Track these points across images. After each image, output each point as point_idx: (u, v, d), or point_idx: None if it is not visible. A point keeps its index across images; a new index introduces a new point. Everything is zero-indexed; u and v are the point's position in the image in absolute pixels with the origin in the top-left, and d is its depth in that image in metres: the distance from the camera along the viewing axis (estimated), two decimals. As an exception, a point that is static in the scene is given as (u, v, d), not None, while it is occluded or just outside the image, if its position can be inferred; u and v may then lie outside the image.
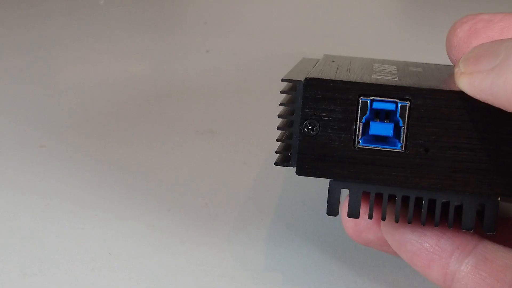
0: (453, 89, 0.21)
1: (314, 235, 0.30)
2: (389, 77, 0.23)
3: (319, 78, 0.22)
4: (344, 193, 0.23)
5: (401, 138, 0.22)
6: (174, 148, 0.37)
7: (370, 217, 0.23)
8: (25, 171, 0.35)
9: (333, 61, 0.26)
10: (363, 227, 0.25)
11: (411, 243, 0.23)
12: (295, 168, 0.22)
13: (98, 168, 0.35)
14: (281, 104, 0.23)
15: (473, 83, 0.20)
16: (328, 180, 0.23)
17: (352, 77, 0.22)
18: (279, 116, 0.23)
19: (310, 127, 0.22)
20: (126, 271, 0.28)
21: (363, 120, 0.22)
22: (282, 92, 0.23)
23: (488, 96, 0.19)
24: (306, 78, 0.22)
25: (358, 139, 0.22)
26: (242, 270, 0.28)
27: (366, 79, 0.22)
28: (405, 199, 0.22)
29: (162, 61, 0.47)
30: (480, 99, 0.20)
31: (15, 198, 0.32)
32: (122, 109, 0.40)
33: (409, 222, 0.22)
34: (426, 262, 0.23)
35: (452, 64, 0.24)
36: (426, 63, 0.28)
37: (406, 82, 0.22)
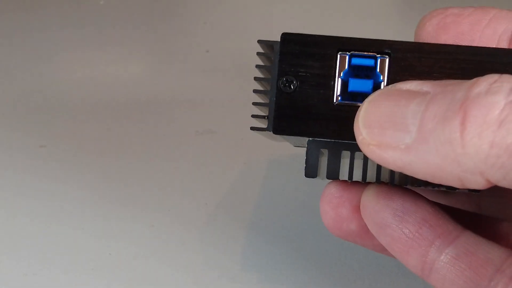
0: (434, 43, 0.21)
1: (315, 235, 0.30)
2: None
3: (296, 33, 0.21)
4: (327, 185, 0.22)
5: None
6: (174, 148, 0.37)
7: (350, 178, 0.22)
8: (25, 171, 0.35)
9: None
10: (345, 217, 0.23)
11: (391, 228, 0.22)
12: (271, 130, 0.22)
13: (98, 168, 0.35)
14: (257, 66, 0.22)
15: (385, 158, 0.19)
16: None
17: (330, 34, 0.22)
18: (255, 78, 0.22)
19: (287, 84, 0.21)
20: (126, 271, 0.28)
21: (342, 76, 0.21)
22: (258, 54, 0.22)
23: (403, 170, 0.18)
24: (283, 33, 0.21)
25: (337, 95, 0.21)
26: (242, 270, 0.28)
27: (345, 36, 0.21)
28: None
29: (162, 61, 0.47)
30: (393, 169, 0.19)
31: (15, 198, 0.32)
32: (121, 109, 0.40)
33: (392, 184, 0.22)
34: (405, 248, 0.22)
35: None
36: None
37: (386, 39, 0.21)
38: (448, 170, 0.17)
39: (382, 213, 0.22)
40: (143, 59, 0.48)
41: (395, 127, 0.18)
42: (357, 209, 0.23)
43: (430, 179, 0.18)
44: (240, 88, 0.42)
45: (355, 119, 0.19)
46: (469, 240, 0.21)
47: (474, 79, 0.17)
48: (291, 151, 0.36)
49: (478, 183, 0.17)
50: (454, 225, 0.22)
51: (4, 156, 0.36)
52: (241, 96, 0.42)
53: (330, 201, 0.23)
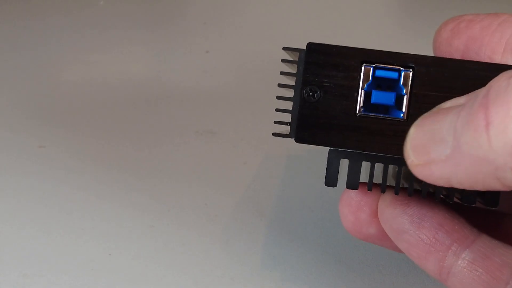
0: (457, 58, 0.21)
1: (314, 236, 0.30)
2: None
3: (321, 44, 0.22)
4: (343, 188, 0.23)
5: (403, 107, 0.21)
6: (174, 149, 0.37)
7: (369, 188, 0.22)
8: (25, 171, 0.35)
9: None
10: (364, 221, 0.24)
11: (408, 234, 0.22)
12: (294, 138, 0.22)
13: (98, 168, 0.35)
14: (281, 73, 0.22)
15: (432, 174, 0.19)
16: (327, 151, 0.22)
17: (355, 46, 0.22)
18: (279, 85, 0.22)
19: (311, 94, 0.21)
20: (126, 271, 0.28)
21: (366, 88, 0.21)
22: (283, 60, 0.22)
23: (452, 184, 0.19)
24: (308, 43, 0.22)
25: (359, 107, 0.21)
26: (241, 270, 0.28)
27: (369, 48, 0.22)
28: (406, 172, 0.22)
29: (161, 61, 0.47)
30: (443, 185, 0.19)
31: (15, 198, 0.32)
32: (122, 109, 0.40)
33: (410, 195, 0.22)
34: (422, 254, 0.22)
35: None
36: None
37: (410, 52, 0.22)
38: (483, 171, 0.18)
39: (399, 219, 0.23)
40: (143, 59, 0.48)
41: (435, 142, 0.19)
42: (376, 213, 0.24)
43: (475, 187, 0.18)
44: (240, 88, 0.42)
45: (404, 144, 0.20)
46: (485, 244, 0.22)
47: (493, 79, 0.18)
48: (291, 151, 0.36)
49: None
50: (470, 229, 0.22)
51: (3, 156, 0.36)
52: (241, 96, 0.42)
53: (350, 204, 0.24)
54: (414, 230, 0.22)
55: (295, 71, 0.22)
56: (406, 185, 0.22)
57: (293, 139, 0.22)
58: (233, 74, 0.44)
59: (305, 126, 0.22)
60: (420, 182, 0.22)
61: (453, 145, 0.18)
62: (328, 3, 0.54)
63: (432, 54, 0.23)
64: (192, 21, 0.52)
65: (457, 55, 0.23)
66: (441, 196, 0.22)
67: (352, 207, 0.24)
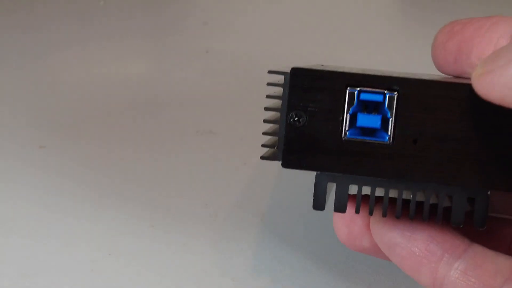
0: (442, 80, 0.21)
1: (314, 236, 0.30)
2: (376, 72, 0.23)
3: (305, 68, 0.21)
4: (333, 195, 0.23)
5: (389, 130, 0.21)
6: (174, 149, 0.37)
7: (357, 211, 0.22)
8: (25, 171, 0.35)
9: (322, 65, 0.26)
10: (357, 234, 0.24)
11: (400, 247, 0.22)
12: (280, 162, 0.22)
13: (98, 169, 0.35)
14: (267, 97, 0.22)
15: (493, 80, 0.19)
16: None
17: (339, 69, 0.22)
18: (265, 108, 0.22)
19: (296, 118, 0.21)
20: (126, 271, 0.28)
21: (351, 111, 0.21)
22: (268, 84, 0.22)
23: (508, 96, 0.19)
24: (292, 68, 0.21)
25: (345, 130, 0.21)
26: (242, 270, 0.28)
27: (354, 71, 0.22)
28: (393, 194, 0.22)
29: (161, 62, 0.47)
30: (499, 101, 0.19)
31: (15, 198, 0.32)
32: (122, 109, 0.40)
33: (397, 217, 0.22)
34: (415, 266, 0.22)
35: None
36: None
37: (394, 74, 0.22)
38: None
39: (390, 233, 0.23)
40: (143, 60, 0.48)
41: (507, 50, 0.19)
42: (369, 226, 0.24)
43: None
44: (240, 88, 0.42)
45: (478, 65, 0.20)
46: (476, 253, 0.22)
47: None
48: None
49: None
50: (461, 239, 0.22)
51: (4, 156, 0.36)
52: (241, 96, 0.42)
53: (343, 217, 0.24)
54: (405, 243, 0.22)
55: (281, 94, 0.22)
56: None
57: (280, 163, 0.22)
58: (233, 74, 0.44)
59: (292, 151, 0.22)
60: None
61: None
62: (329, 5, 0.54)
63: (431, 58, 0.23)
64: (192, 21, 0.52)
65: (450, 58, 0.23)
66: (428, 210, 0.22)
67: (345, 220, 0.24)
